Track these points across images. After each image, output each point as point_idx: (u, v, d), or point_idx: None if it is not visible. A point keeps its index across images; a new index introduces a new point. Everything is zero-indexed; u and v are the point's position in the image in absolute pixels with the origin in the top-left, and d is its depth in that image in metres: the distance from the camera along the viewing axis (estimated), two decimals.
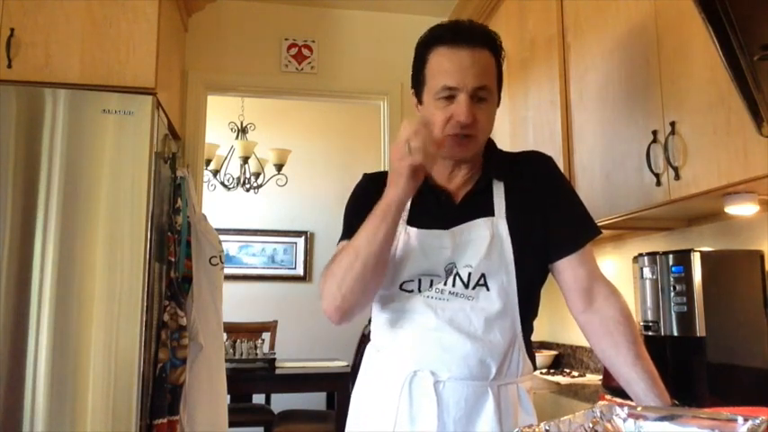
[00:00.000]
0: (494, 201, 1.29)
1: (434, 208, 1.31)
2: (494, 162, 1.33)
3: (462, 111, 1.21)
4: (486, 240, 1.24)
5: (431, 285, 1.25)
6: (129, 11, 2.50)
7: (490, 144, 1.36)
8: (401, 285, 1.27)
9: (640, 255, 1.73)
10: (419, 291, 1.25)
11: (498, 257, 1.24)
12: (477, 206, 1.28)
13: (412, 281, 1.26)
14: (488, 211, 1.28)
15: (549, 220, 1.28)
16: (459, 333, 1.21)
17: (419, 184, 1.17)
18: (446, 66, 1.24)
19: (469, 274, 1.23)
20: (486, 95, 1.25)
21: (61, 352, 2.23)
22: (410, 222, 1.30)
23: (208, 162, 4.19)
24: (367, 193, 1.35)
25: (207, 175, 4.16)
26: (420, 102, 1.31)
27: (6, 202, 2.27)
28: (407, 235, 1.28)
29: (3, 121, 2.30)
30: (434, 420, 1.18)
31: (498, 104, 1.32)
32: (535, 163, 1.36)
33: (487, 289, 1.23)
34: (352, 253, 1.19)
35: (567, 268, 1.28)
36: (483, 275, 1.23)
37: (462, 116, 1.21)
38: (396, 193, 1.16)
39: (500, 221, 1.26)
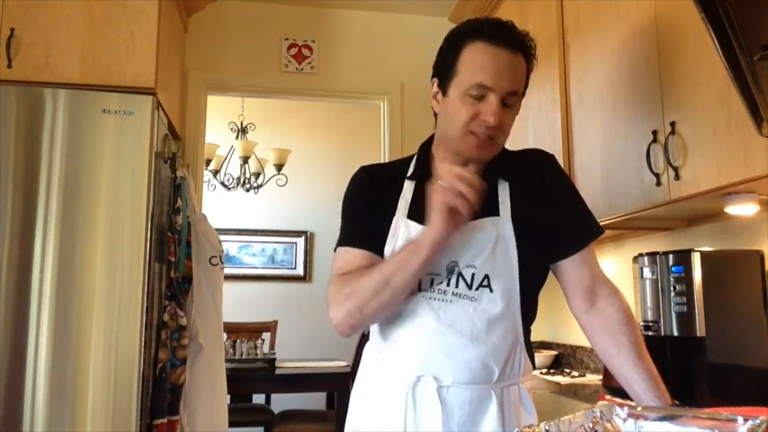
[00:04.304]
0: (499, 200, 1.27)
1: None
2: (499, 161, 1.32)
3: (492, 112, 1.19)
4: (492, 240, 1.23)
5: (431, 284, 1.23)
6: (129, 11, 2.49)
7: None
8: None
9: (640, 255, 1.73)
10: (419, 289, 1.24)
11: (503, 258, 1.23)
12: (483, 205, 1.25)
13: None
14: (493, 211, 1.26)
15: (552, 220, 1.27)
16: (462, 337, 1.20)
17: (458, 227, 1.16)
18: (483, 63, 1.20)
19: (473, 275, 1.22)
20: (514, 102, 1.24)
21: (61, 352, 2.23)
22: (411, 216, 1.28)
23: (208, 162, 4.20)
24: (364, 189, 1.34)
25: (207, 175, 4.16)
26: (444, 93, 1.27)
27: (6, 202, 2.27)
28: (408, 230, 1.27)
29: (3, 121, 2.30)
30: (439, 425, 1.18)
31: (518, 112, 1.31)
32: (538, 162, 1.35)
33: (491, 290, 1.22)
34: (381, 279, 1.18)
35: (569, 268, 1.27)
36: (487, 276, 1.22)
37: (491, 117, 1.20)
38: (435, 232, 1.15)
39: (505, 222, 1.25)
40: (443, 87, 1.27)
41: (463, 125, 1.22)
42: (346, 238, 1.33)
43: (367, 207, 1.33)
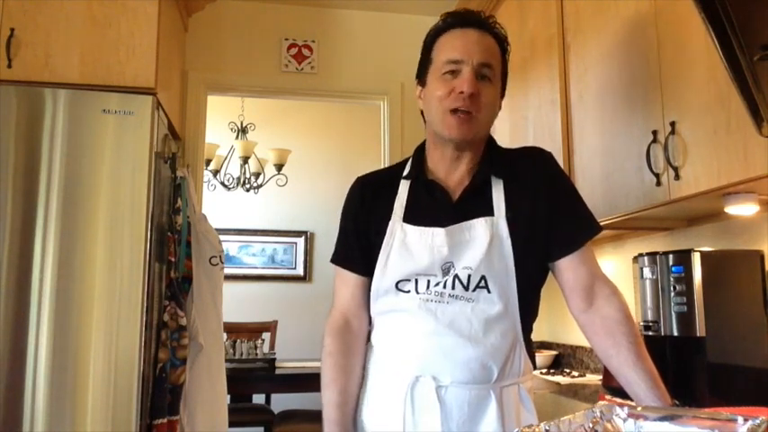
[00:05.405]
0: (493, 199, 1.27)
1: (431, 204, 1.29)
2: (493, 158, 1.32)
3: (465, 80, 1.22)
4: (486, 241, 1.22)
5: (428, 286, 1.23)
6: (129, 11, 2.50)
7: (491, 141, 1.35)
8: (397, 285, 1.26)
9: (640, 255, 1.73)
10: (416, 291, 1.24)
11: (498, 259, 1.22)
12: (476, 205, 1.26)
13: (408, 280, 1.25)
14: (488, 211, 1.26)
15: (550, 219, 1.27)
16: (460, 337, 1.20)
17: None
18: (452, 42, 1.26)
19: (469, 276, 1.22)
20: (489, 75, 1.25)
21: (61, 352, 2.23)
22: (405, 219, 1.29)
23: (208, 162, 4.19)
24: (357, 206, 1.36)
25: (207, 175, 4.16)
26: (423, 85, 1.31)
27: (6, 202, 2.27)
28: (403, 232, 1.27)
29: (3, 121, 2.30)
30: (438, 425, 1.18)
31: (502, 98, 1.32)
32: (535, 160, 1.34)
33: (488, 291, 1.22)
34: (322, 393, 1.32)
35: (568, 267, 1.27)
36: (483, 277, 1.22)
37: (465, 86, 1.21)
38: None
39: (500, 221, 1.24)
40: (422, 81, 1.32)
41: (441, 103, 1.24)
42: (338, 256, 1.39)
43: (356, 227, 1.36)
